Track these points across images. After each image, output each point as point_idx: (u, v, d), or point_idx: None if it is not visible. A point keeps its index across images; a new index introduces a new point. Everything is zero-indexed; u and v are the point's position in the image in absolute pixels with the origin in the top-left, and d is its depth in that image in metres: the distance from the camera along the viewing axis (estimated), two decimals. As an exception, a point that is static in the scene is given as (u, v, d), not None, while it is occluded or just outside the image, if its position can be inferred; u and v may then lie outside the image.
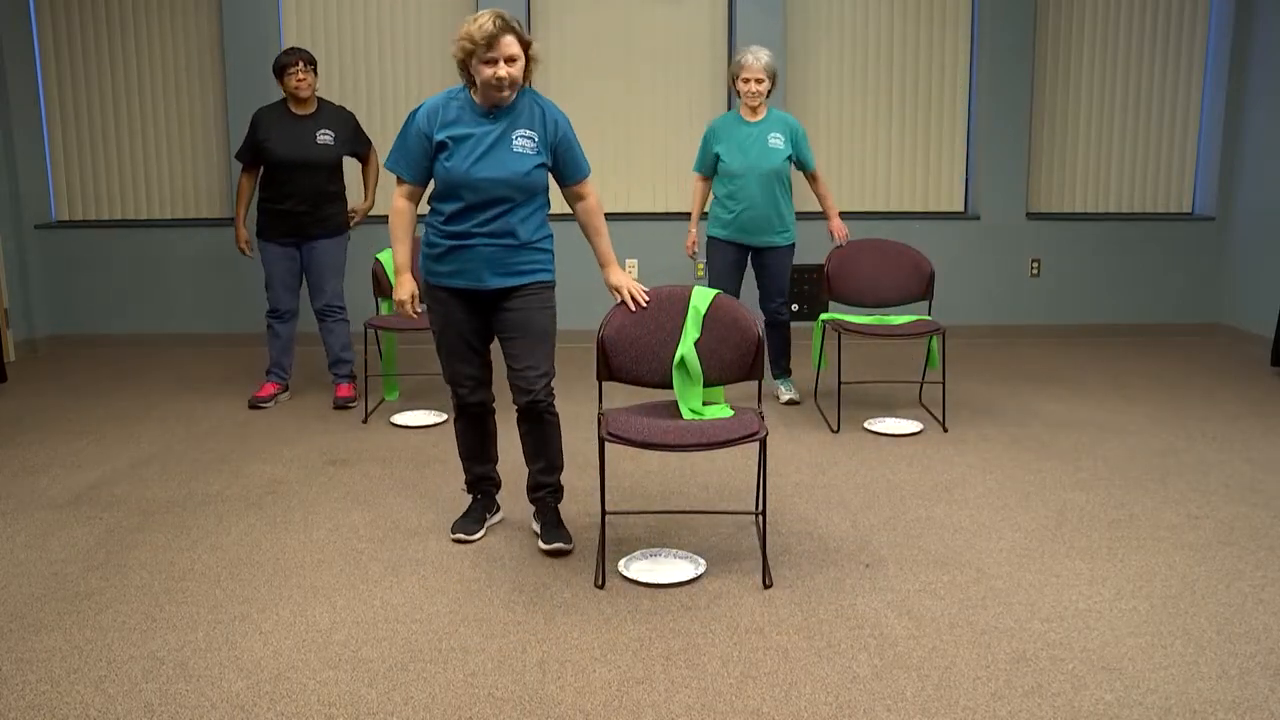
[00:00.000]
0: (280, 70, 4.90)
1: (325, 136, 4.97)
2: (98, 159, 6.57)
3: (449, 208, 3.22)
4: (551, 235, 3.37)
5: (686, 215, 6.61)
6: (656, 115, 6.62)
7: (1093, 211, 6.91)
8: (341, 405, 5.14)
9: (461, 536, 3.45)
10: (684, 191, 6.71)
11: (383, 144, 6.56)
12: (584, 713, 2.46)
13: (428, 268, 3.32)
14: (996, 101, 6.57)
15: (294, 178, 4.94)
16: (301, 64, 4.87)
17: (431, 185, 3.30)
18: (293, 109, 4.98)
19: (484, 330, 3.37)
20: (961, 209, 6.84)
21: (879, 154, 6.76)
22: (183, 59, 6.48)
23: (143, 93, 6.51)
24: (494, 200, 3.19)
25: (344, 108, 5.16)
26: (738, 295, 5.09)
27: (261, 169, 5.04)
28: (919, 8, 6.61)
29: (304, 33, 6.43)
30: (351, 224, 5.20)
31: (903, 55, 6.66)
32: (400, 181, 3.30)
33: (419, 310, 3.42)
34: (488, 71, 3.09)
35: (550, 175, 3.32)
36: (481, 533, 3.51)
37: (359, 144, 5.13)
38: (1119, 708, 2.46)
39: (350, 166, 5.61)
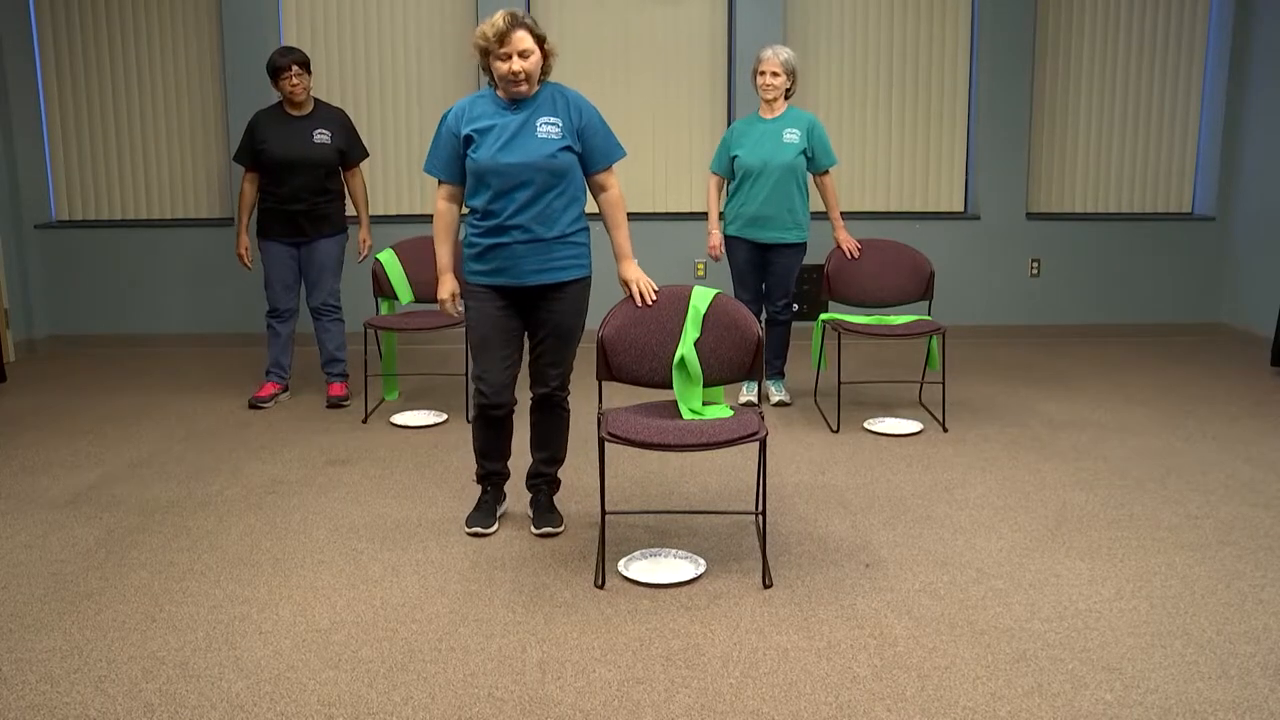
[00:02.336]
0: (274, 73, 4.92)
1: (322, 135, 4.99)
2: (98, 159, 6.57)
3: (480, 200, 3.31)
4: (587, 228, 3.42)
5: (686, 215, 6.63)
6: (656, 115, 6.62)
7: (1093, 211, 6.91)
8: (335, 404, 5.15)
9: (479, 530, 3.51)
10: (682, 191, 6.72)
11: (383, 143, 6.57)
12: (584, 713, 2.45)
13: (468, 268, 3.40)
14: (996, 101, 6.57)
15: (292, 177, 4.96)
16: (296, 68, 4.90)
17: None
18: (289, 110, 5.02)
19: (519, 329, 3.44)
20: (961, 209, 6.84)
21: (879, 154, 6.76)
22: (182, 59, 6.48)
23: (143, 93, 6.51)
24: (520, 185, 3.26)
25: (338, 107, 5.17)
26: (759, 293, 5.07)
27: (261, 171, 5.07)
28: (919, 8, 6.61)
29: (304, 33, 6.43)
30: (360, 259, 5.31)
31: (903, 55, 6.66)
32: (439, 184, 3.42)
33: (460, 310, 3.49)
34: (503, 67, 3.23)
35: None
36: (495, 525, 3.56)
37: (352, 144, 5.11)
38: (1119, 708, 2.46)
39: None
